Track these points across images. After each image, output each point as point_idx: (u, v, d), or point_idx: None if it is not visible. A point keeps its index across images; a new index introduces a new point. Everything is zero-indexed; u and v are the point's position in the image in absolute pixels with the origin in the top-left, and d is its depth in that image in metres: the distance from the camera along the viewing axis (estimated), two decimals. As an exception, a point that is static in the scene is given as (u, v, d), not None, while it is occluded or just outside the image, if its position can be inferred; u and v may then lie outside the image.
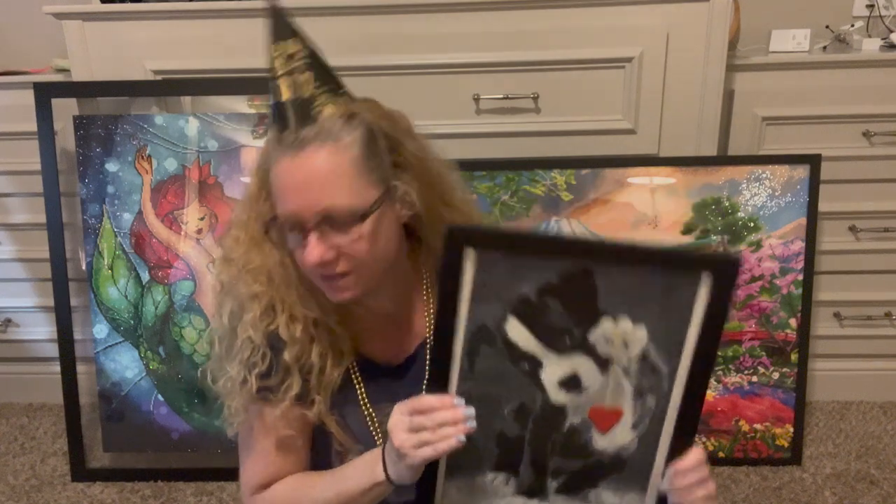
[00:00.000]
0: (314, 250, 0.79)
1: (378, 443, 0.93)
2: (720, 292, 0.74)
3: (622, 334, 0.76)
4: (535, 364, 0.77)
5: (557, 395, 0.78)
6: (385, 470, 0.83)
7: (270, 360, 0.88)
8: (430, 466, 0.82)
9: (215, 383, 0.92)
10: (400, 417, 0.78)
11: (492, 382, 0.78)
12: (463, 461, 0.81)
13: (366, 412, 0.94)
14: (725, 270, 0.74)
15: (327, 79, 0.81)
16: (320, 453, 0.96)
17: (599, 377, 0.78)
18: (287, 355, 0.87)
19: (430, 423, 0.76)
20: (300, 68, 0.79)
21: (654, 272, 0.74)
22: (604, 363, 0.77)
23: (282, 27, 0.80)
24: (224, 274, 0.90)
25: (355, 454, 0.93)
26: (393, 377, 0.95)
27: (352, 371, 0.94)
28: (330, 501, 0.89)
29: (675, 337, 0.76)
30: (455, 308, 0.75)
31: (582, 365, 0.77)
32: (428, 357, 0.95)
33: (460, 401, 0.77)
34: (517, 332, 0.76)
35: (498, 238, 0.74)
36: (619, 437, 0.81)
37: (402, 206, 0.84)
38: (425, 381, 0.94)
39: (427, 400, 0.78)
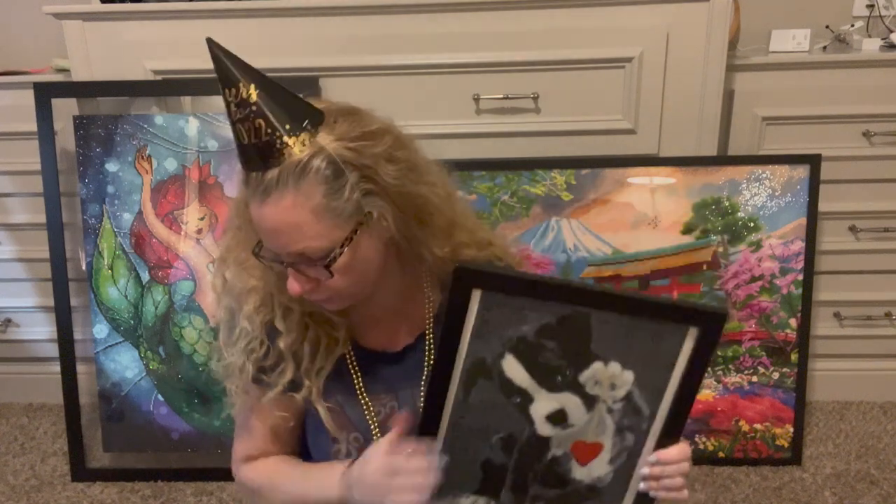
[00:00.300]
0: (293, 285, 0.83)
1: (374, 431, 0.95)
2: (704, 345, 0.79)
3: (611, 377, 0.80)
4: (527, 399, 0.81)
5: (544, 428, 0.83)
6: (343, 490, 0.87)
7: (267, 348, 0.92)
8: None
9: (216, 367, 0.97)
10: (378, 465, 0.82)
11: (484, 412, 0.82)
12: (448, 483, 0.85)
13: (363, 402, 0.96)
14: (711, 326, 0.78)
15: (285, 117, 0.76)
16: (320, 438, 0.99)
17: (585, 414, 0.82)
18: (282, 343, 0.91)
19: (400, 480, 0.81)
20: (254, 114, 0.75)
21: (646, 322, 0.78)
22: (590, 402, 0.81)
23: (228, 72, 0.76)
24: (222, 271, 0.93)
25: (346, 443, 0.96)
26: (390, 365, 0.97)
27: (349, 361, 0.96)
28: (294, 496, 0.95)
29: (658, 382, 0.81)
30: (457, 342, 0.79)
31: (570, 402, 0.81)
32: (427, 348, 0.97)
33: (432, 454, 0.82)
34: (513, 368, 0.80)
35: (503, 281, 0.77)
36: (596, 470, 0.86)
37: (381, 230, 0.83)
38: (423, 385, 0.96)
39: (398, 459, 0.82)
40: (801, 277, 1.79)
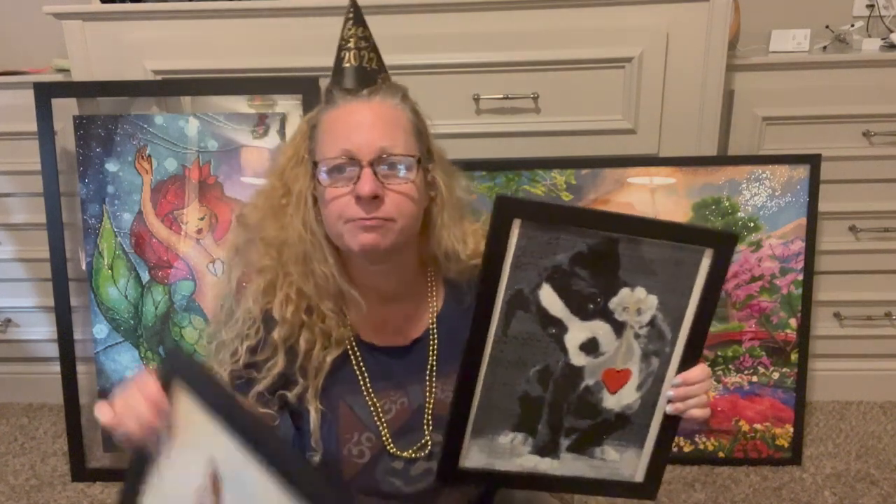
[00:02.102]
0: (367, 184, 0.84)
1: (380, 428, 0.95)
2: (719, 265, 0.86)
3: (637, 302, 0.87)
4: (562, 329, 0.87)
5: (578, 358, 0.88)
6: None
7: (261, 337, 0.93)
8: (458, 427, 0.89)
9: (210, 343, 0.98)
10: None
11: (522, 345, 0.87)
12: (487, 421, 0.89)
13: (369, 401, 0.96)
14: (725, 247, 0.86)
15: (385, 66, 0.95)
16: (330, 438, 0.97)
17: (615, 341, 0.88)
18: (276, 334, 0.92)
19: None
20: (369, 48, 0.93)
21: (667, 247, 0.85)
22: (619, 328, 0.88)
23: (360, 16, 0.96)
24: (240, 238, 0.96)
25: (359, 443, 0.95)
26: (398, 360, 0.97)
27: (353, 360, 0.96)
28: None
29: (679, 306, 0.88)
30: (498, 273, 0.84)
31: (601, 330, 0.87)
32: (431, 345, 0.98)
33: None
34: (549, 298, 0.85)
35: (540, 211, 0.83)
36: (625, 397, 0.91)
37: (429, 188, 0.93)
38: (430, 363, 0.97)
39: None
40: (801, 277, 1.79)
